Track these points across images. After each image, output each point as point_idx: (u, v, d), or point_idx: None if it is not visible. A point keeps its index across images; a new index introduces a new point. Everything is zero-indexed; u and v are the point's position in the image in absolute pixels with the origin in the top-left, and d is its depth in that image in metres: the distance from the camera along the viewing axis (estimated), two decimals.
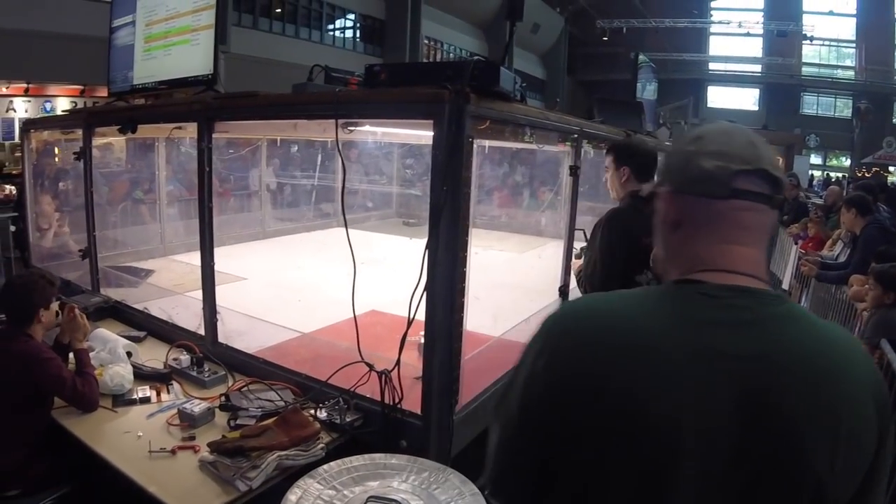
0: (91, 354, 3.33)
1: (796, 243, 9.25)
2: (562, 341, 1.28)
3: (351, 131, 3.17)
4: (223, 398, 3.16)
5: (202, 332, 3.84)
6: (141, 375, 3.44)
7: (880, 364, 4.09)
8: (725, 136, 1.32)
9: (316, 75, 3.21)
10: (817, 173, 33.98)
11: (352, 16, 26.21)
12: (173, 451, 2.71)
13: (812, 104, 41.82)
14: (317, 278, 5.66)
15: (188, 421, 2.96)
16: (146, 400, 3.23)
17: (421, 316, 2.79)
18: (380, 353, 3.06)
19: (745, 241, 1.30)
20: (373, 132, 4.50)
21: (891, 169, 32.53)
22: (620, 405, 1.17)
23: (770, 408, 1.15)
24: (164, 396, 3.29)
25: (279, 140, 7.35)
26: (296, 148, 8.21)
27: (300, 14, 23.79)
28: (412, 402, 2.91)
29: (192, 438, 2.83)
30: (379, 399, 2.91)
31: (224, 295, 3.94)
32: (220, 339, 3.78)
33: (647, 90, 8.74)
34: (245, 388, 3.27)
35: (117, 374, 3.28)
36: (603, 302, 1.39)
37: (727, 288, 1.24)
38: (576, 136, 4.33)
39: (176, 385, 3.40)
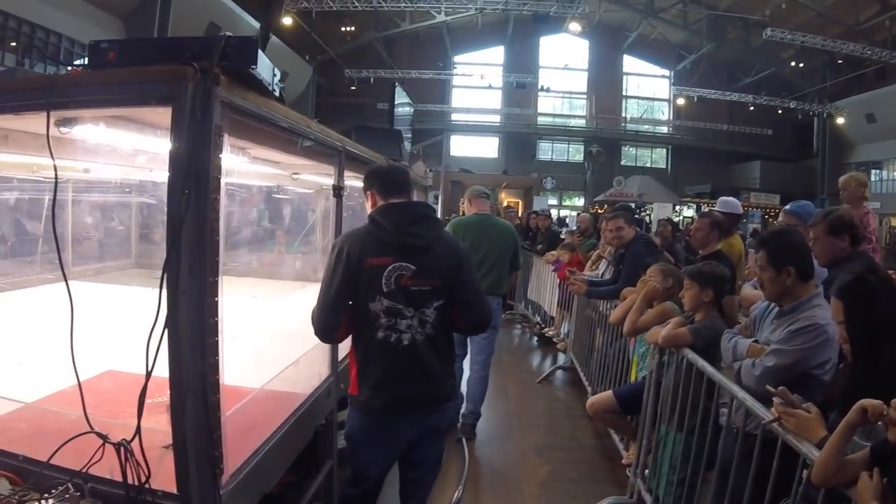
0: None
1: (556, 269, 9.44)
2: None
3: (66, 132, 2.46)
4: None
5: None
6: None
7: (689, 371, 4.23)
8: None
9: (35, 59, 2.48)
10: (554, 212, 36.14)
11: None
12: None
13: (547, 150, 45.19)
14: (44, 339, 4.73)
15: None
16: None
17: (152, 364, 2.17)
18: (121, 421, 2.39)
19: None
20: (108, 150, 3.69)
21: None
22: None
23: None
24: None
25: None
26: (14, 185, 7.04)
27: (37, 47, 21.80)
28: (164, 478, 2.25)
29: None
30: (121, 479, 2.22)
31: None
32: None
33: (403, 120, 8.78)
34: None
35: None
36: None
37: None
38: (340, 153, 3.93)
39: None
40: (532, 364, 9.96)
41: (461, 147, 44.35)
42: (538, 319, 11.57)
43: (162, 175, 4.35)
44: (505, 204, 26.44)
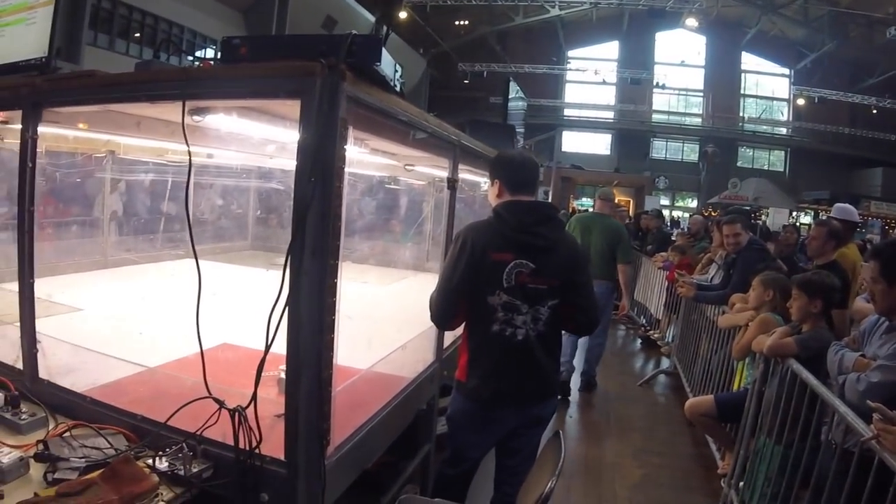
0: None
1: (666, 270, 9.37)
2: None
3: (198, 121, 2.65)
4: (40, 446, 2.46)
5: (20, 365, 3.12)
6: None
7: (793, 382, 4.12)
8: None
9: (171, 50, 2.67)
10: (666, 213, 35.37)
11: (213, 45, 25.23)
12: None
13: (661, 149, 43.97)
14: (164, 310, 5.01)
15: None
16: None
17: (282, 341, 2.31)
18: (234, 389, 2.53)
19: None
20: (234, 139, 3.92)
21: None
22: None
23: None
24: None
25: (126, 154, 6.55)
26: (145, 168, 7.44)
27: (160, 39, 22.79)
28: (274, 445, 2.40)
29: (0, 497, 2.19)
30: (232, 443, 2.37)
31: (55, 326, 3.32)
32: (42, 374, 3.08)
33: (516, 115, 8.97)
34: (67, 434, 2.59)
35: None
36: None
37: None
38: (455, 147, 4.04)
39: None
40: (635, 366, 9.95)
41: (573, 143, 43.71)
42: (643, 321, 11.47)
43: (282, 163, 4.56)
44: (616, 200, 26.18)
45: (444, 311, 3.35)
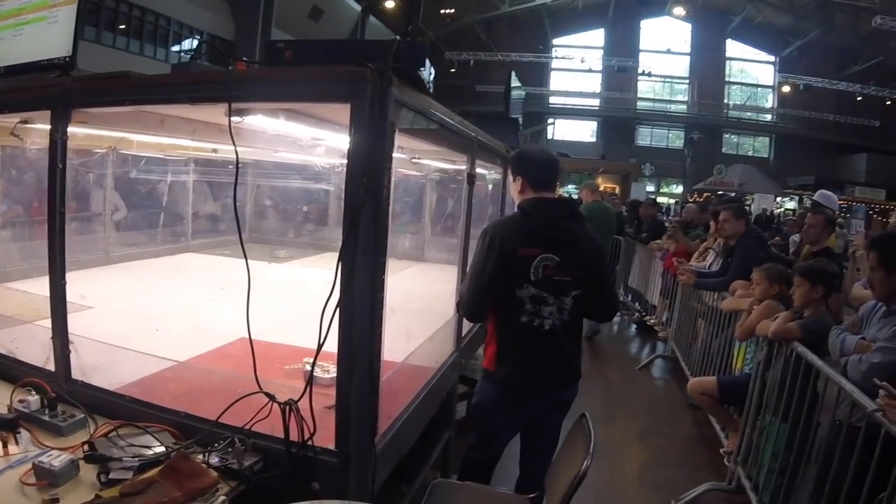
0: None
1: (662, 259, 9.50)
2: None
3: (238, 122, 2.69)
4: (86, 447, 2.48)
5: (51, 366, 3.10)
6: None
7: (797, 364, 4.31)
8: None
9: (202, 53, 2.73)
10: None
11: (199, 35, 25.09)
12: None
13: (646, 136, 44.13)
14: (172, 306, 5.03)
15: (47, 478, 2.26)
16: None
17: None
18: (267, 380, 2.60)
19: None
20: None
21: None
22: None
23: None
24: (11, 448, 2.54)
25: (127, 149, 6.48)
26: (143, 161, 7.43)
27: (146, 30, 22.71)
28: (321, 436, 2.46)
29: (56, 500, 2.18)
30: (280, 435, 2.45)
31: (70, 325, 3.24)
32: (75, 374, 3.07)
33: (516, 106, 9.18)
34: (113, 434, 2.60)
35: None
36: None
37: None
38: (473, 143, 4.15)
39: (25, 433, 2.64)
40: (631, 351, 10.13)
41: (559, 131, 43.78)
42: (638, 307, 11.60)
43: (289, 157, 4.56)
44: (602, 188, 26.36)
45: (474, 305, 3.47)
